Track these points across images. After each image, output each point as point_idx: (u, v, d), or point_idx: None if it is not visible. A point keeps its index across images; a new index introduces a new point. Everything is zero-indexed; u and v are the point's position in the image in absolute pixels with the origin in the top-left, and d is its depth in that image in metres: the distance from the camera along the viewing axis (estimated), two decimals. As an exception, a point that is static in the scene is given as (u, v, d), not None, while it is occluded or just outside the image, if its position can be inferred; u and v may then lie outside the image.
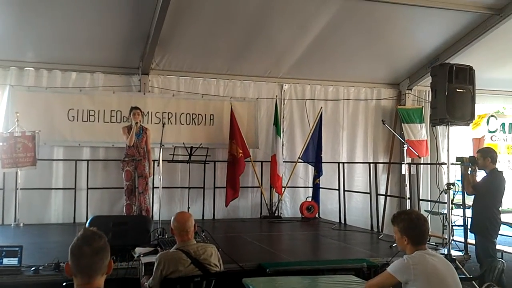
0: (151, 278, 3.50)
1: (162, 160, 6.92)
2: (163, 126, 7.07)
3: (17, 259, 4.34)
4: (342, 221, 8.61)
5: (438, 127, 7.25)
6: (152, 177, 8.00)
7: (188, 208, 6.80)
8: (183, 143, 6.76)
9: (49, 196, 8.33)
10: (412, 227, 2.99)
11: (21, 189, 7.89)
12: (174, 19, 7.29)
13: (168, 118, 8.84)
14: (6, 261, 4.33)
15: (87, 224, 5.04)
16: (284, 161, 9.47)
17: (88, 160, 8.42)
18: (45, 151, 8.22)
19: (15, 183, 7.86)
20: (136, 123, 7.49)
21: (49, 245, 5.85)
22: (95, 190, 8.39)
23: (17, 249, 4.39)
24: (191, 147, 6.65)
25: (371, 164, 8.43)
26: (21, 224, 7.71)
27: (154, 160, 7.88)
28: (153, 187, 8.08)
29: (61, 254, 4.93)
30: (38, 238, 6.64)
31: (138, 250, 4.39)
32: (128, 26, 7.63)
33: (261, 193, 9.23)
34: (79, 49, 8.17)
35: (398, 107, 10.08)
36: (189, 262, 3.44)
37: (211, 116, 9.16)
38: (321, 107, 9.46)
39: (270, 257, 5.50)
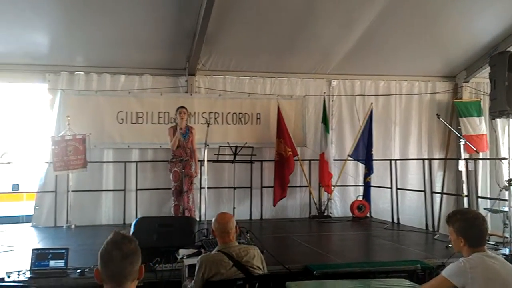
0: (192, 281, 3.40)
1: (208, 160, 6.85)
2: (208, 126, 7.02)
3: (63, 261, 4.37)
4: (395, 220, 8.25)
5: (498, 120, 6.81)
6: (199, 177, 7.95)
7: (234, 208, 6.70)
8: (228, 143, 6.66)
9: (99, 197, 8.46)
10: (469, 227, 2.74)
11: (72, 191, 8.08)
12: (219, 19, 7.22)
13: (215, 118, 8.80)
14: (52, 263, 4.37)
15: (132, 226, 5.03)
16: (333, 160, 9.21)
17: (137, 162, 8.50)
18: (96, 153, 8.37)
19: (66, 185, 8.03)
20: (181, 128, 7.48)
21: (97, 247, 5.82)
22: (144, 191, 8.45)
23: (63, 251, 4.43)
24: (236, 147, 6.54)
25: (425, 161, 8.02)
26: (73, 226, 7.88)
27: (200, 160, 7.83)
28: (200, 188, 8.02)
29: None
30: (87, 240, 6.72)
31: (182, 251, 4.32)
32: (174, 27, 7.64)
33: (310, 193, 9.01)
34: (127, 52, 8.27)
35: (455, 100, 9.58)
36: (231, 264, 3.31)
37: (258, 115, 9.04)
38: (371, 103, 9.13)
39: (317, 258, 5.29)
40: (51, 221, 8.14)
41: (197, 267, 3.35)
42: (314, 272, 4.43)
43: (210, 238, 4.79)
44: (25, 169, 10.30)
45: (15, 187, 10.38)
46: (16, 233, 7.49)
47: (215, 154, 7.23)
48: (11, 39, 7.58)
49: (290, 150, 8.60)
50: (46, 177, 8.26)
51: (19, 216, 8.94)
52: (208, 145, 6.92)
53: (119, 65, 8.58)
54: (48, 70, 8.37)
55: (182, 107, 7.70)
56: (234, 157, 6.58)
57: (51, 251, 4.49)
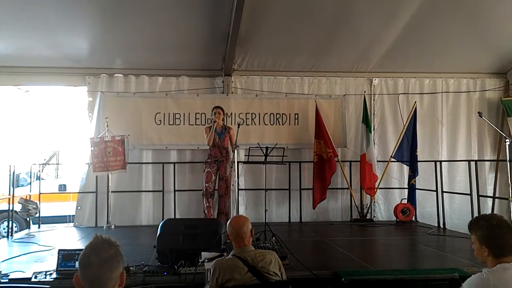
0: (207, 286, 3.29)
1: (238, 162, 6.74)
2: (238, 127, 6.90)
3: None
4: (441, 225, 7.82)
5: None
6: (236, 178, 7.84)
7: (266, 211, 6.52)
8: (258, 144, 6.51)
9: (139, 198, 8.53)
10: (493, 235, 2.46)
11: (112, 192, 8.18)
12: (252, 18, 7.12)
13: (252, 119, 8.71)
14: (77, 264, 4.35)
15: (159, 228, 4.98)
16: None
17: (174, 163, 8.51)
18: (135, 154, 8.47)
19: (106, 186, 8.13)
20: (215, 121, 7.41)
21: (131, 247, 5.89)
22: (182, 192, 8.45)
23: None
24: (266, 148, 6.36)
25: (473, 162, 7.53)
26: (113, 226, 7.97)
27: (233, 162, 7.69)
28: (238, 189, 7.90)
29: (139, 257, 4.96)
30: (125, 240, 6.73)
31: (204, 254, 4.19)
32: (209, 29, 7.60)
33: (351, 195, 8.72)
34: (164, 54, 8.33)
35: (503, 98, 9.01)
36: (246, 270, 3.16)
37: (296, 115, 8.84)
38: (415, 102, 8.72)
39: (350, 264, 5.02)
40: (92, 221, 8.30)
41: (211, 272, 3.23)
42: (343, 279, 4.19)
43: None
44: (71, 170, 10.59)
45: (62, 188, 10.66)
46: (59, 233, 7.68)
47: (245, 155, 7.10)
48: (54, 44, 7.80)
49: (330, 150, 8.36)
50: (87, 178, 8.44)
51: (65, 216, 9.14)
52: (238, 146, 6.81)
53: (157, 67, 8.65)
54: (89, 73, 8.57)
55: (218, 107, 7.66)
56: (265, 158, 6.40)
57: (77, 252, 4.49)
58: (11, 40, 7.59)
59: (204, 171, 7.62)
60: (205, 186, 7.57)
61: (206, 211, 7.61)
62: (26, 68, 8.41)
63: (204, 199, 7.61)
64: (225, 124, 7.82)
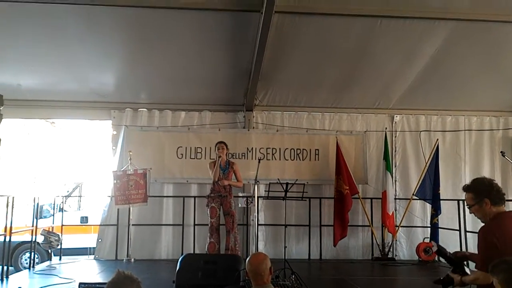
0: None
1: (258, 197, 6.73)
2: (259, 162, 6.91)
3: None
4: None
5: None
6: (256, 213, 7.78)
7: (285, 247, 6.46)
8: (278, 179, 6.51)
9: (159, 232, 8.55)
10: None
11: (133, 225, 8.21)
12: (274, 54, 7.24)
13: (272, 154, 8.75)
14: (98, 298, 4.39)
15: (178, 262, 4.99)
16: (396, 198, 8.81)
17: (195, 197, 8.54)
18: (156, 188, 8.54)
19: (128, 219, 8.19)
20: (220, 157, 7.40)
21: (151, 282, 5.87)
22: (202, 226, 8.41)
23: (107, 285, 4.43)
24: (287, 183, 6.36)
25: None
26: (132, 260, 7.98)
27: (250, 197, 7.59)
28: (257, 224, 7.84)
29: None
30: (144, 274, 6.69)
31: (224, 291, 4.19)
32: (231, 64, 7.75)
33: (372, 233, 8.60)
34: (187, 90, 8.50)
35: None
36: (266, 309, 3.13)
37: (316, 151, 8.85)
38: (437, 139, 8.67)
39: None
40: (112, 254, 8.33)
41: (231, 309, 3.21)
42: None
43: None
44: (93, 202, 10.70)
45: (84, 220, 10.75)
46: (79, 265, 7.73)
47: (265, 191, 7.07)
48: (81, 79, 8.05)
49: (347, 187, 8.30)
50: (109, 211, 8.53)
51: (86, 248, 9.19)
52: (258, 181, 6.80)
53: (180, 102, 8.82)
54: (114, 107, 8.78)
55: (221, 142, 7.58)
56: (285, 194, 6.39)
57: (97, 285, 4.53)
58: (40, 75, 7.86)
59: (208, 206, 7.49)
60: (211, 221, 7.39)
61: (208, 247, 7.39)
62: (54, 102, 8.66)
63: (209, 235, 7.40)
64: (228, 159, 7.78)
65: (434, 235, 8.36)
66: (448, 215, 8.50)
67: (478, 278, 3.10)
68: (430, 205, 8.55)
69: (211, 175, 7.49)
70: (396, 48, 7.32)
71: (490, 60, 7.63)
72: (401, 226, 8.68)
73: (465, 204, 3.43)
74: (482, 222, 3.33)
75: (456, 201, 8.13)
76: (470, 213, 3.40)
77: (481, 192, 3.18)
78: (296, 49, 7.28)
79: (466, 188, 3.30)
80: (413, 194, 8.56)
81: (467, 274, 3.23)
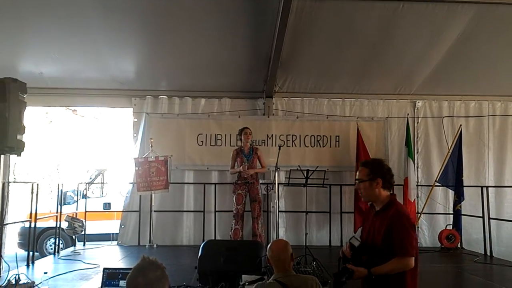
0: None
1: (279, 183, 6.72)
2: (279, 149, 6.90)
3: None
4: (488, 253, 7.52)
5: None
6: (276, 200, 7.79)
7: (306, 234, 6.45)
8: (298, 166, 6.49)
9: (181, 218, 8.63)
10: None
11: (155, 211, 8.30)
12: (294, 41, 7.17)
13: (292, 141, 8.72)
14: (122, 283, 4.43)
15: (200, 248, 5.02)
16: (418, 185, 8.72)
17: (215, 184, 8.58)
18: (177, 174, 8.60)
19: (149, 205, 8.26)
20: (243, 148, 7.42)
21: (173, 268, 5.90)
22: (223, 212, 8.49)
23: (132, 271, 4.48)
24: (307, 170, 6.34)
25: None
26: (155, 246, 8.09)
27: (270, 183, 7.66)
28: (278, 211, 7.84)
29: (180, 278, 5.01)
30: (167, 260, 6.75)
31: (245, 277, 4.20)
32: (251, 52, 7.72)
33: (393, 219, 8.51)
34: (207, 77, 8.47)
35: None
36: (287, 295, 3.14)
37: (337, 137, 8.79)
38: (460, 125, 8.52)
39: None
40: (135, 240, 8.43)
41: (252, 296, 3.23)
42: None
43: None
44: (116, 189, 10.85)
45: (107, 206, 10.90)
46: (103, 251, 7.87)
47: (286, 178, 7.06)
48: (102, 67, 8.09)
49: (369, 174, 8.20)
50: (131, 197, 8.62)
51: (109, 234, 9.34)
52: (279, 168, 6.79)
53: (200, 89, 8.82)
54: (134, 95, 8.83)
55: (247, 127, 7.64)
56: (306, 181, 6.37)
57: (121, 271, 4.57)
58: (61, 63, 7.92)
59: (234, 193, 7.56)
60: (237, 208, 7.47)
61: (232, 233, 7.49)
62: (75, 90, 8.74)
63: (234, 221, 7.51)
64: (252, 145, 7.78)
65: (457, 222, 8.28)
66: (471, 201, 8.41)
67: (395, 268, 2.87)
68: (453, 192, 8.44)
69: (231, 165, 7.57)
70: (418, 33, 7.17)
71: (515, 43, 7.42)
72: (423, 213, 8.58)
73: (355, 177, 3.38)
74: (365, 200, 3.26)
75: (480, 188, 7.98)
76: (356, 188, 3.32)
77: (377, 171, 3.08)
78: (316, 34, 7.18)
79: (364, 163, 3.22)
80: (435, 181, 8.44)
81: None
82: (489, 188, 7.98)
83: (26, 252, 6.88)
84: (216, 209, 8.50)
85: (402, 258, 2.86)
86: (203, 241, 8.20)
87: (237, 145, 8.17)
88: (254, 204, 7.51)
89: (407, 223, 2.92)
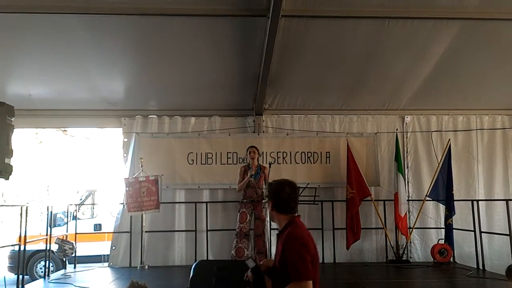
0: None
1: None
2: (270, 166, 6.92)
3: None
4: (481, 266, 7.52)
5: None
6: (268, 218, 7.78)
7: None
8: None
9: (172, 238, 8.54)
10: None
11: (146, 231, 8.23)
12: (282, 58, 7.23)
13: (283, 158, 8.73)
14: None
15: (192, 269, 4.97)
16: (409, 200, 8.74)
17: (207, 202, 8.54)
18: (168, 194, 8.55)
19: (140, 226, 8.20)
20: (250, 166, 7.42)
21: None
22: (214, 232, 8.44)
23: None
24: (298, 187, 6.33)
25: (510, 202, 7.25)
26: (146, 267, 8.00)
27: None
28: (270, 229, 7.81)
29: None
30: (158, 281, 6.78)
31: (237, 297, 4.16)
32: (239, 69, 7.74)
33: (386, 235, 8.53)
34: (196, 95, 8.48)
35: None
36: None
37: (327, 153, 8.81)
38: (449, 139, 8.60)
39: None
40: (126, 261, 8.32)
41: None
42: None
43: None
44: (106, 210, 10.77)
45: (97, 227, 10.80)
46: (94, 274, 7.76)
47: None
48: (91, 88, 8.09)
49: (353, 191, 8.23)
50: (122, 218, 8.53)
51: (100, 255, 9.24)
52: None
53: (190, 108, 8.82)
54: (124, 115, 8.81)
55: (253, 146, 7.74)
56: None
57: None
58: (50, 85, 7.90)
59: (239, 211, 7.63)
60: (240, 226, 7.54)
61: (234, 252, 7.51)
62: (64, 111, 8.71)
63: (237, 240, 7.55)
64: (259, 163, 7.85)
65: (449, 236, 8.29)
66: (461, 215, 8.44)
67: None
68: (444, 206, 8.47)
69: (238, 180, 7.63)
70: (405, 49, 7.25)
71: (500, 58, 7.52)
72: (415, 228, 8.59)
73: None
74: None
75: (470, 202, 8.03)
76: None
77: (271, 194, 3.13)
78: (303, 52, 7.24)
79: (269, 183, 3.25)
80: (426, 195, 8.48)
81: None
82: (480, 202, 8.02)
83: (16, 276, 6.77)
84: (208, 228, 8.43)
85: (299, 283, 2.81)
86: (195, 260, 8.22)
87: (244, 162, 8.27)
88: (258, 222, 7.55)
89: (299, 246, 2.86)
